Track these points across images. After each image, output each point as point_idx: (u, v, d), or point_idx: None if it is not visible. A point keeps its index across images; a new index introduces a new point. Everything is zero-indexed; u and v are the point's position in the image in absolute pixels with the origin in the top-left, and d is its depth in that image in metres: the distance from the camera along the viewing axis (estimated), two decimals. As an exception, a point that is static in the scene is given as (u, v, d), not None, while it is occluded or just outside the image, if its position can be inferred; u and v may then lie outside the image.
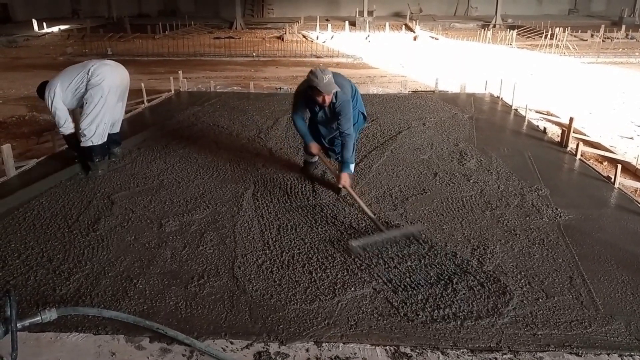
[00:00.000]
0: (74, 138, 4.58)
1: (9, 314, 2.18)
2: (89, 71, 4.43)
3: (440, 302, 2.71)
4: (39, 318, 2.28)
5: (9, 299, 2.17)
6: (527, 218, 3.69)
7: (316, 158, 4.47)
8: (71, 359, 2.32)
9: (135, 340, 2.43)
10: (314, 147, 4.18)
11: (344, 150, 3.93)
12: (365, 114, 4.34)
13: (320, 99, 3.77)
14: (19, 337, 2.20)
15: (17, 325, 2.18)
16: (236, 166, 4.75)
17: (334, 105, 3.85)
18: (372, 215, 3.54)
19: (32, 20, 21.05)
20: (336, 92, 3.78)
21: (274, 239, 3.39)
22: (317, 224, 3.60)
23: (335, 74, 3.85)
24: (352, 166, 4.05)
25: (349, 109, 3.85)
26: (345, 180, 3.84)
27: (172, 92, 8.19)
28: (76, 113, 4.72)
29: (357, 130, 4.24)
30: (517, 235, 3.43)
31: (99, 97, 4.43)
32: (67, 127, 4.53)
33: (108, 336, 2.46)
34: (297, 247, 3.29)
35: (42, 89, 4.54)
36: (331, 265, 3.07)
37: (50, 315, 2.29)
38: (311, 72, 3.71)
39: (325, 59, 13.42)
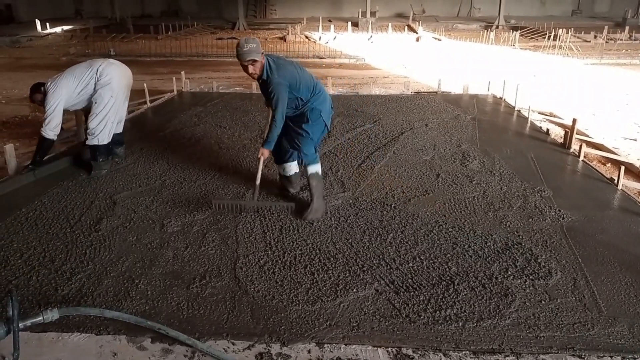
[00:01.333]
0: (47, 145, 4.48)
1: (11, 313, 2.18)
2: (97, 71, 4.44)
3: (442, 303, 2.70)
4: (40, 318, 2.28)
5: (11, 299, 2.18)
6: (530, 220, 3.68)
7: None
8: (73, 359, 2.32)
9: (137, 340, 2.43)
10: (266, 153, 3.78)
11: (268, 130, 3.65)
12: (328, 126, 3.89)
13: (244, 69, 3.57)
14: (20, 337, 2.20)
15: (19, 325, 2.18)
16: (238, 166, 4.75)
17: (266, 84, 3.58)
18: (257, 182, 3.72)
19: (35, 21, 21.11)
20: (269, 70, 3.52)
21: (275, 240, 3.39)
22: (319, 225, 3.59)
23: (285, 60, 3.68)
24: (271, 145, 3.65)
25: (279, 92, 3.49)
26: (263, 152, 3.69)
27: (175, 92, 8.20)
28: (78, 114, 4.72)
29: (318, 132, 3.82)
30: (520, 237, 3.42)
31: (109, 96, 4.46)
32: (56, 133, 4.44)
33: (110, 336, 2.46)
34: (299, 248, 3.29)
35: (36, 90, 4.49)
36: (333, 266, 3.06)
37: (52, 315, 2.29)
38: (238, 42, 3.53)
39: (327, 60, 13.43)
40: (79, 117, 5.31)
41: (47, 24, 21.16)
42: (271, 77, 3.53)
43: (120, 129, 4.90)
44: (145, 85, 7.47)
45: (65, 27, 21.56)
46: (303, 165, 3.89)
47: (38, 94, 4.48)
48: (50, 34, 20.34)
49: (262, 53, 3.52)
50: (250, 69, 3.51)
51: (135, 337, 2.45)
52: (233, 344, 2.42)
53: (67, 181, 4.37)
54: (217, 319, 2.59)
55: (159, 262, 3.11)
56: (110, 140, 4.64)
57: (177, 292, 2.81)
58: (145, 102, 7.30)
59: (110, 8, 27.04)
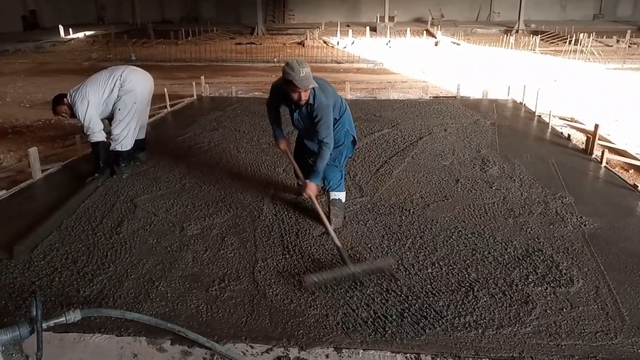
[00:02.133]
0: (104, 146, 4.54)
1: (34, 314, 2.21)
2: (120, 77, 4.48)
3: (461, 310, 2.68)
4: (63, 319, 2.31)
5: (35, 300, 2.21)
6: (551, 226, 3.63)
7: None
8: (94, 360, 2.35)
9: (157, 342, 2.46)
10: (282, 143, 3.74)
11: (318, 159, 3.41)
12: (356, 138, 3.76)
13: (295, 96, 3.27)
14: (43, 337, 2.23)
15: (43, 325, 2.21)
16: (257, 171, 4.78)
17: (312, 108, 3.37)
18: (338, 244, 3.14)
19: (58, 26, 21.52)
20: (314, 93, 3.32)
21: (293, 244, 3.40)
22: (338, 229, 3.58)
23: (320, 79, 3.44)
24: (319, 178, 3.48)
25: (328, 115, 3.36)
26: (311, 189, 3.41)
27: (195, 97, 8.29)
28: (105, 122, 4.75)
29: (344, 156, 3.72)
30: (541, 244, 3.37)
31: (132, 103, 4.51)
32: (101, 134, 4.50)
33: (130, 338, 2.49)
34: (317, 252, 3.29)
35: (59, 101, 4.50)
36: (352, 270, 3.05)
37: (75, 316, 2.32)
38: (287, 64, 3.22)
39: (345, 65, 13.45)
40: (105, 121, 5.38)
41: (70, 29, 21.56)
42: (317, 99, 3.33)
43: (142, 135, 4.95)
44: (165, 89, 7.56)
45: (88, 33, 21.93)
46: (325, 190, 3.79)
47: (62, 106, 4.49)
48: (73, 39, 20.72)
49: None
50: (304, 95, 3.28)
51: (155, 338, 2.48)
52: (251, 347, 2.43)
53: (89, 184, 4.44)
54: (236, 322, 2.60)
55: (178, 265, 3.14)
56: (132, 145, 4.69)
57: (197, 295, 2.83)
58: (165, 107, 7.39)
59: (132, 14, 27.43)
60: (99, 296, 2.83)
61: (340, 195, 3.74)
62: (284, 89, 3.34)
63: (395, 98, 8.51)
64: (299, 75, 3.14)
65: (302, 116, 3.51)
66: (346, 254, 3.12)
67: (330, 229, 3.25)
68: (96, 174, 4.49)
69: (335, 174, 3.70)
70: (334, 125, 3.50)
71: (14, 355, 2.26)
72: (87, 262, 3.18)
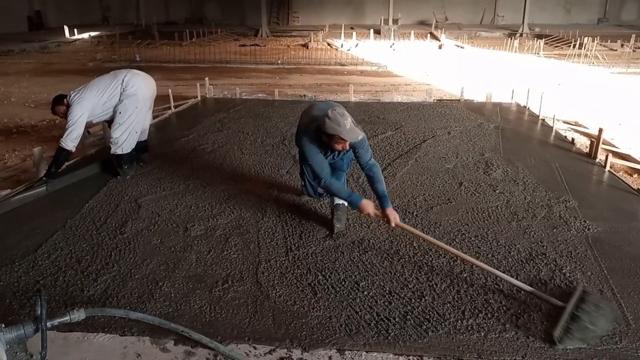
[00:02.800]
0: (66, 156, 4.42)
1: (39, 313, 2.22)
2: (122, 81, 4.47)
3: (464, 313, 2.68)
4: (67, 318, 2.31)
5: (39, 299, 2.22)
6: (555, 230, 3.63)
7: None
8: (98, 359, 2.36)
9: (160, 342, 2.47)
10: (369, 207, 3.34)
11: (378, 183, 3.36)
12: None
13: (340, 146, 3.23)
14: (47, 336, 2.24)
15: (47, 324, 2.22)
16: (260, 172, 4.79)
17: (350, 147, 3.33)
18: (516, 282, 2.87)
19: (63, 27, 21.60)
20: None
21: (296, 245, 3.40)
22: (341, 231, 3.59)
23: (335, 106, 3.34)
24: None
25: (365, 142, 3.39)
26: (394, 216, 3.27)
27: (199, 98, 8.30)
28: (104, 124, 4.76)
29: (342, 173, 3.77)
30: (545, 248, 3.37)
31: (134, 107, 4.50)
32: (75, 145, 4.38)
33: (134, 337, 2.50)
34: (320, 254, 3.29)
35: (58, 102, 4.49)
36: (354, 273, 3.06)
37: (79, 315, 2.33)
38: (328, 117, 3.14)
39: (349, 67, 13.45)
40: (105, 127, 5.39)
41: (75, 30, 21.64)
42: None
43: (145, 137, 4.96)
44: (169, 90, 7.58)
45: (93, 33, 22.01)
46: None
47: (61, 106, 4.47)
48: (77, 39, 20.79)
49: None
50: (347, 145, 3.24)
51: (158, 338, 2.49)
52: (254, 348, 2.44)
53: (94, 184, 4.46)
54: (239, 323, 2.61)
55: (182, 265, 3.15)
56: (134, 148, 4.68)
57: (200, 295, 2.84)
58: (169, 108, 7.41)
59: (136, 15, 27.50)
60: (103, 296, 2.84)
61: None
62: (320, 139, 3.31)
63: (399, 101, 8.51)
64: (345, 128, 3.10)
65: (336, 155, 3.54)
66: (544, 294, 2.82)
67: (502, 274, 2.95)
68: (43, 178, 4.38)
69: (343, 179, 3.75)
70: None
71: (18, 353, 2.27)
72: (91, 261, 3.19)
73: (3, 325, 2.19)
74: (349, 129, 3.12)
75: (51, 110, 4.61)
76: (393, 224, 3.26)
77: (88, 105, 4.38)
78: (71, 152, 4.44)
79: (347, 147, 3.27)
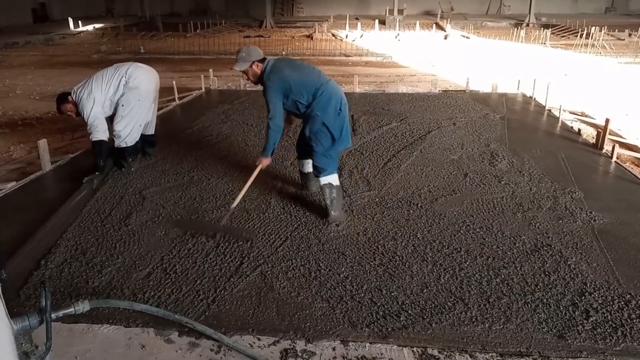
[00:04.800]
0: (105, 145, 4.46)
1: (44, 304, 2.23)
2: (125, 74, 4.45)
3: (468, 304, 2.67)
4: (72, 309, 2.32)
5: (44, 290, 2.22)
6: (560, 221, 3.61)
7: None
8: (103, 350, 2.37)
9: (164, 333, 2.47)
10: (265, 162, 3.72)
11: (265, 138, 3.64)
12: (335, 135, 3.59)
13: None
14: (52, 327, 2.25)
15: (52, 315, 2.23)
16: (265, 164, 4.77)
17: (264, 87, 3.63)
18: (233, 205, 3.58)
19: (68, 19, 21.61)
20: (265, 76, 3.55)
21: (301, 237, 3.40)
22: (346, 224, 3.58)
23: (286, 62, 3.68)
24: (266, 153, 3.63)
25: (268, 94, 3.52)
26: (261, 161, 3.67)
27: (203, 90, 8.29)
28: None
29: (322, 142, 3.61)
30: (550, 239, 3.35)
31: (136, 100, 4.48)
32: (104, 134, 4.42)
33: (138, 329, 2.50)
34: (325, 245, 3.29)
35: (63, 100, 4.48)
36: (358, 264, 3.05)
37: (83, 307, 2.33)
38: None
39: (354, 58, 13.40)
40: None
41: (80, 22, 21.66)
42: (265, 81, 3.58)
43: (151, 131, 4.93)
44: (174, 82, 7.57)
45: (97, 25, 22.02)
46: (315, 176, 3.78)
47: (67, 104, 4.46)
48: (82, 32, 20.81)
49: (255, 61, 3.56)
50: (244, 77, 3.70)
51: (162, 330, 2.49)
52: (258, 339, 2.44)
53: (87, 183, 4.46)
54: (243, 315, 2.61)
55: (186, 257, 3.15)
56: (137, 140, 4.66)
57: (204, 287, 2.84)
58: (174, 99, 7.40)
59: (140, 7, 27.50)
60: (108, 287, 2.84)
61: (330, 179, 3.63)
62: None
63: (404, 92, 8.47)
64: (236, 57, 3.61)
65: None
66: (228, 217, 3.56)
67: (238, 199, 3.61)
68: (96, 173, 4.41)
69: (320, 159, 3.65)
70: (304, 109, 3.60)
71: (23, 345, 2.28)
72: (96, 253, 3.20)
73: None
74: (236, 63, 3.60)
75: (57, 110, 4.59)
76: (257, 163, 3.71)
77: (97, 96, 4.37)
78: (106, 141, 4.45)
79: (247, 80, 3.72)
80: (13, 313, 2.31)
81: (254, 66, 3.58)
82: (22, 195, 4.18)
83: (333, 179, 3.66)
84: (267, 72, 3.57)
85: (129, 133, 4.52)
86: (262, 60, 3.60)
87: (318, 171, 3.67)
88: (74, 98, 4.42)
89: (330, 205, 3.61)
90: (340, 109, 3.63)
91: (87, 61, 12.99)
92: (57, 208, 3.84)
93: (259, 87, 3.71)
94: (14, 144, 5.97)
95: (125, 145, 4.54)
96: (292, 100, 3.57)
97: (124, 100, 4.44)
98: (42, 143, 4.69)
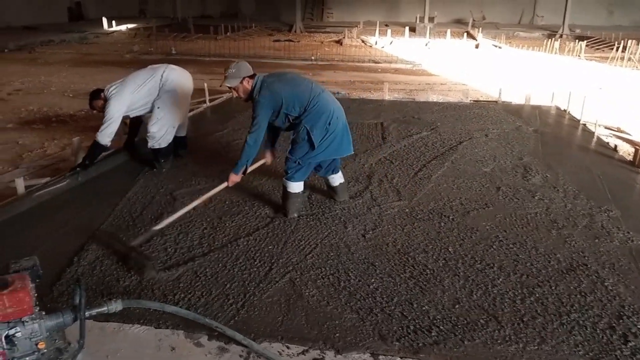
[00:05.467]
0: (100, 150, 4.51)
1: (77, 302, 2.25)
2: (161, 76, 4.51)
3: (502, 323, 2.61)
4: (105, 308, 2.34)
5: (79, 288, 2.25)
6: (597, 240, 3.51)
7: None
8: (133, 351, 2.38)
9: (194, 336, 2.47)
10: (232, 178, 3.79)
11: (240, 154, 3.68)
12: (316, 145, 3.59)
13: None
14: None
15: (86, 314, 2.25)
16: (294, 169, 4.76)
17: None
18: (156, 228, 3.40)
19: (102, 19, 22.05)
20: (256, 92, 3.55)
21: (329, 244, 3.38)
22: (375, 234, 3.55)
23: (277, 76, 3.67)
24: (237, 169, 3.70)
25: (256, 109, 3.53)
26: (231, 178, 3.73)
27: (233, 93, 8.33)
28: (145, 117, 4.80)
29: (303, 152, 3.64)
30: (586, 258, 3.26)
31: (171, 102, 4.54)
32: (111, 139, 4.45)
33: (168, 330, 2.51)
34: (354, 255, 3.25)
35: (96, 96, 4.55)
36: (389, 275, 3.01)
37: (116, 306, 2.35)
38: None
39: (383, 64, 13.35)
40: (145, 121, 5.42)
41: (113, 22, 22.08)
42: (255, 97, 3.56)
43: (183, 132, 4.99)
44: (205, 85, 7.64)
45: (130, 26, 22.42)
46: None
47: (98, 100, 4.53)
48: (115, 31, 21.21)
49: (245, 77, 3.55)
50: (234, 94, 3.69)
51: (192, 333, 2.49)
52: (287, 347, 2.42)
53: (130, 177, 4.52)
54: (272, 321, 2.60)
55: (215, 260, 3.15)
56: (170, 142, 4.71)
57: (234, 291, 2.83)
58: (204, 101, 7.47)
59: (173, 8, 27.89)
60: (139, 287, 2.87)
61: (290, 185, 3.73)
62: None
63: (435, 100, 8.39)
64: (226, 74, 3.61)
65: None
66: (145, 239, 3.35)
67: (177, 215, 3.55)
68: (77, 169, 4.46)
69: (289, 163, 3.72)
70: (293, 120, 3.62)
71: (57, 341, 2.31)
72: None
73: (43, 313, 2.23)
74: (225, 79, 3.61)
75: (89, 105, 4.68)
76: (228, 183, 3.74)
77: (126, 100, 4.42)
78: (106, 148, 4.51)
79: (238, 97, 3.74)
80: (47, 309, 2.34)
81: (244, 82, 3.57)
82: (54, 191, 4.24)
83: (293, 186, 3.74)
84: (257, 88, 3.56)
85: (163, 135, 4.57)
86: (252, 76, 3.58)
87: (285, 172, 3.75)
88: (106, 95, 4.49)
89: (285, 204, 3.79)
90: (329, 123, 3.62)
91: (120, 60, 13.22)
92: (88, 204, 3.89)
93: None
94: (47, 140, 6.09)
95: (159, 147, 4.59)
96: (283, 114, 3.59)
97: (160, 102, 4.49)
98: (77, 141, 4.77)
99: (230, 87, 3.64)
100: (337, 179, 4.00)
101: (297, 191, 3.78)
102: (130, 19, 25.54)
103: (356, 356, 2.37)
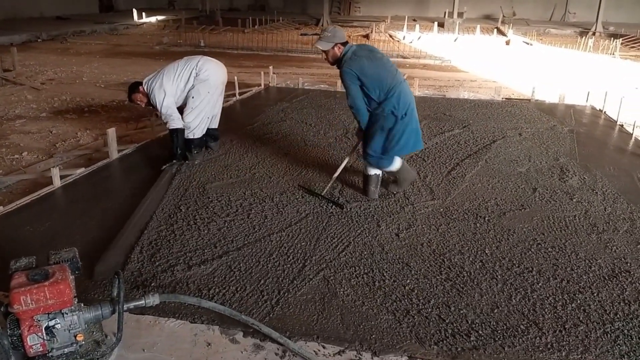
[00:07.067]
0: (181, 133, 4.54)
1: (115, 294, 2.26)
2: (196, 66, 4.53)
3: (543, 329, 2.53)
4: (142, 302, 2.34)
5: (117, 281, 2.26)
6: (639, 246, 3.39)
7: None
8: (169, 345, 2.38)
9: (229, 332, 2.46)
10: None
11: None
12: (391, 138, 3.68)
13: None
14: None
15: (124, 307, 2.26)
16: (324, 164, 4.73)
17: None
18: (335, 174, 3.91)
19: (132, 10, 22.28)
20: (343, 61, 3.65)
21: (363, 242, 3.33)
22: (410, 233, 3.49)
23: (367, 51, 3.72)
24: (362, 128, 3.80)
25: (344, 79, 3.64)
26: (361, 136, 3.86)
27: (262, 86, 8.34)
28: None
29: (385, 131, 3.69)
30: (629, 264, 3.15)
31: (206, 92, 4.55)
32: (179, 122, 4.51)
33: (204, 325, 2.50)
34: (389, 254, 3.21)
35: (135, 89, 4.59)
36: (424, 276, 2.96)
37: (154, 300, 2.36)
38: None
39: (411, 60, 13.18)
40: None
41: (143, 13, 22.27)
42: (342, 66, 3.63)
43: (215, 124, 4.98)
44: (235, 78, 7.64)
45: (159, 17, 22.59)
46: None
47: (137, 94, 4.58)
48: (145, 23, 21.40)
49: (338, 43, 3.66)
50: (323, 55, 3.80)
51: (227, 329, 2.48)
52: (323, 347, 2.39)
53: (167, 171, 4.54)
54: (307, 320, 2.57)
55: (249, 257, 3.14)
56: (204, 133, 4.74)
57: (268, 288, 2.81)
58: (234, 95, 7.47)
59: (201, 0, 28.02)
60: (174, 281, 2.87)
61: (371, 171, 3.92)
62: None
63: (465, 97, 8.26)
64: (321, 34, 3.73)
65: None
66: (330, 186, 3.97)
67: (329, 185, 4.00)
68: (174, 161, 4.54)
69: (374, 139, 3.72)
70: (374, 107, 3.67)
71: (94, 333, 2.32)
72: (161, 246, 3.23)
73: (82, 305, 2.24)
74: (317, 41, 3.71)
75: (128, 99, 4.73)
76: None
77: (168, 89, 4.46)
78: (182, 129, 4.56)
79: (325, 59, 3.83)
80: (83, 300, 2.36)
81: (335, 48, 3.67)
82: (90, 182, 4.29)
83: (394, 165, 3.84)
84: (346, 57, 3.63)
85: (197, 124, 4.60)
86: (345, 44, 3.66)
87: (365, 154, 3.82)
88: (145, 89, 4.52)
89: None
90: (405, 114, 3.62)
91: (150, 52, 13.32)
92: (123, 196, 3.92)
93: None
94: (80, 130, 6.17)
95: (192, 137, 4.61)
96: (364, 93, 3.62)
97: (194, 92, 4.51)
98: (111, 132, 4.80)
99: (321, 49, 3.72)
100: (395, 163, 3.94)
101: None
102: (160, 10, 25.78)
103: (393, 358, 2.33)
